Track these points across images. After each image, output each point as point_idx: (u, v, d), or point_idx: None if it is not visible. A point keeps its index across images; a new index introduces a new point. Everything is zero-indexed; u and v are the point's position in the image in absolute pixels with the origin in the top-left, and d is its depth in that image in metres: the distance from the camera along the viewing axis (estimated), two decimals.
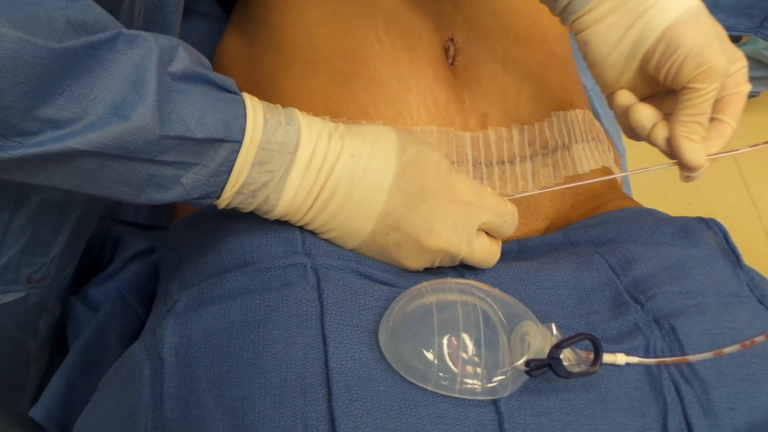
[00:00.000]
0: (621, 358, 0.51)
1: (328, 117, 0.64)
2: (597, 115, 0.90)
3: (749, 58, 1.82)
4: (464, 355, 0.48)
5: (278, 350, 0.48)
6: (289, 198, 0.51)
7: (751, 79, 2.10)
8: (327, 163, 0.52)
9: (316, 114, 0.64)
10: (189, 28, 0.83)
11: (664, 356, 0.52)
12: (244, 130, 0.49)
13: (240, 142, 0.49)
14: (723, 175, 1.77)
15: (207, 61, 0.51)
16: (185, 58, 0.47)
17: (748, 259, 0.63)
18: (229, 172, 0.49)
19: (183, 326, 0.51)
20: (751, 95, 1.90)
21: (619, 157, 0.90)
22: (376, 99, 0.64)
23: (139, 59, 0.44)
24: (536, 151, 0.67)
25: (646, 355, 0.52)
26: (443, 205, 0.53)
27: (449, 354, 0.48)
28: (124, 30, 0.44)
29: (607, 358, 0.50)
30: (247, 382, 0.47)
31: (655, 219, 0.65)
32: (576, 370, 0.48)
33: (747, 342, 0.51)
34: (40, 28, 0.40)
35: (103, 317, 0.67)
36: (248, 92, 0.53)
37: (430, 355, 0.47)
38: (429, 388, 0.47)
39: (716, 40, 0.53)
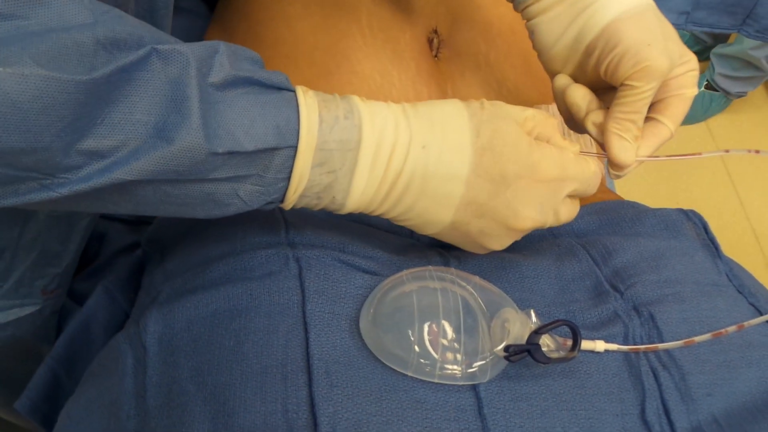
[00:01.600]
0: (600, 345, 0.51)
1: None
2: None
3: (736, 58, 1.83)
4: (444, 342, 0.48)
5: (260, 338, 0.48)
6: (357, 195, 0.49)
7: (738, 79, 2.10)
8: (396, 156, 0.48)
9: None
10: (172, 25, 0.83)
11: (643, 343, 0.53)
12: (298, 133, 0.45)
13: (295, 147, 0.46)
14: (710, 174, 1.78)
15: (254, 54, 0.48)
16: (225, 63, 0.44)
17: (735, 257, 0.63)
18: (288, 178, 0.47)
19: (166, 316, 0.52)
20: (738, 95, 1.91)
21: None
22: (359, 92, 0.64)
23: (177, 75, 0.42)
24: None
25: (625, 343, 0.53)
26: (527, 188, 0.50)
27: (429, 341, 0.48)
28: (158, 45, 0.41)
29: (586, 344, 0.51)
30: (228, 369, 0.47)
31: (636, 211, 0.66)
32: (555, 356, 0.49)
33: (720, 331, 0.52)
34: (67, 59, 0.38)
35: (89, 311, 0.67)
36: None
37: (410, 342, 0.48)
38: (409, 374, 0.48)
39: (659, 39, 0.53)
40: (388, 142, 0.48)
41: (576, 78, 0.58)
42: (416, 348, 0.48)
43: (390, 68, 0.65)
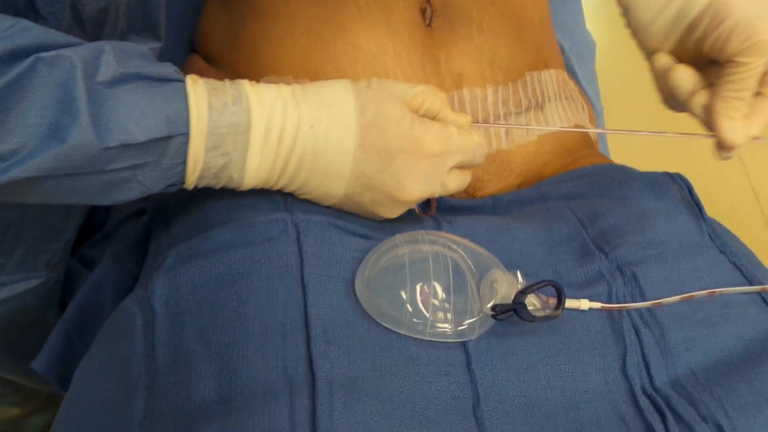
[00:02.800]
0: (584, 304, 0.54)
1: (307, 79, 0.65)
2: (575, 75, 0.92)
3: None
4: (435, 302, 0.51)
5: (261, 300, 0.51)
6: (253, 174, 0.53)
7: None
8: (286, 135, 0.52)
9: (296, 78, 0.66)
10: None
11: (626, 302, 0.55)
12: (188, 120, 0.49)
13: (187, 134, 0.49)
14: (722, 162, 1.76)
15: (143, 49, 0.51)
16: (112, 62, 0.47)
17: (732, 216, 0.64)
18: (184, 162, 0.50)
19: (172, 280, 0.54)
20: None
21: (596, 116, 0.93)
22: (355, 62, 0.66)
23: (64, 78, 0.45)
24: (510, 110, 0.70)
25: (609, 301, 0.55)
26: (411, 162, 0.54)
27: (421, 301, 0.51)
28: (42, 54, 0.45)
29: (571, 303, 0.54)
30: (231, 329, 0.50)
31: (624, 174, 0.68)
32: (540, 314, 0.51)
33: (685, 296, 0.55)
34: None
35: (98, 275, 0.70)
36: (231, 59, 0.55)
37: (403, 302, 0.51)
38: (402, 332, 0.51)
39: None
40: (277, 123, 0.51)
41: (675, 55, 0.56)
42: (409, 308, 0.50)
43: (385, 38, 0.66)
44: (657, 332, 0.54)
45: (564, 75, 0.77)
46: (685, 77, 0.54)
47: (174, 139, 0.49)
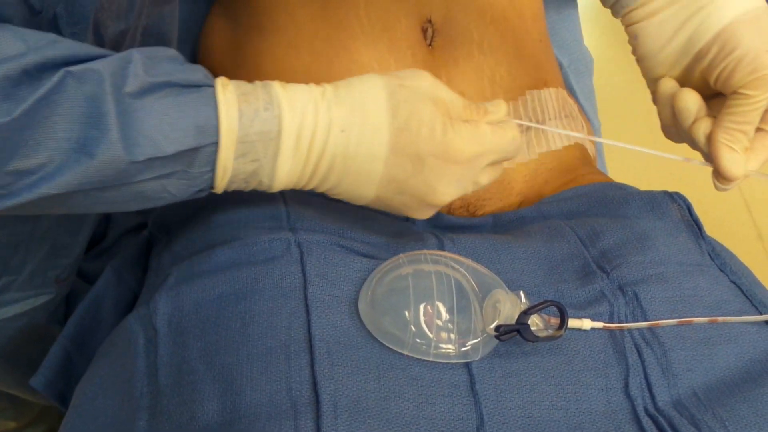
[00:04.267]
0: (586, 323, 0.54)
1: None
2: (573, 92, 0.92)
3: None
4: (438, 322, 0.51)
5: (264, 320, 0.51)
6: (284, 178, 0.51)
7: None
8: (317, 140, 0.50)
9: None
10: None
11: (627, 321, 0.56)
12: (218, 130, 0.48)
13: (216, 144, 0.48)
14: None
15: (173, 53, 0.50)
16: (140, 72, 0.46)
17: (730, 233, 0.65)
18: (213, 170, 0.49)
19: (175, 298, 0.54)
20: None
21: (594, 132, 0.93)
22: None
23: (92, 93, 0.44)
24: None
25: (611, 321, 0.56)
26: (444, 167, 0.52)
27: (425, 321, 0.51)
28: (71, 68, 0.44)
29: (573, 323, 0.54)
30: (235, 350, 0.50)
31: (623, 193, 0.68)
32: (543, 334, 0.52)
33: (684, 320, 0.55)
34: None
35: (98, 290, 0.69)
36: (234, 74, 0.55)
37: (406, 323, 0.51)
38: (406, 352, 0.51)
39: None
40: (308, 128, 0.50)
41: (680, 84, 0.56)
42: (412, 328, 0.51)
43: (387, 57, 0.67)
44: (659, 352, 0.54)
45: (564, 93, 0.77)
46: (692, 99, 0.54)
47: (203, 149, 0.48)
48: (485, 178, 0.56)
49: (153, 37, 0.60)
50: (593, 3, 0.61)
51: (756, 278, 0.63)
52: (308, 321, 0.51)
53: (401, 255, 0.55)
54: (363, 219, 0.61)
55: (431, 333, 0.51)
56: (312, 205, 0.61)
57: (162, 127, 0.46)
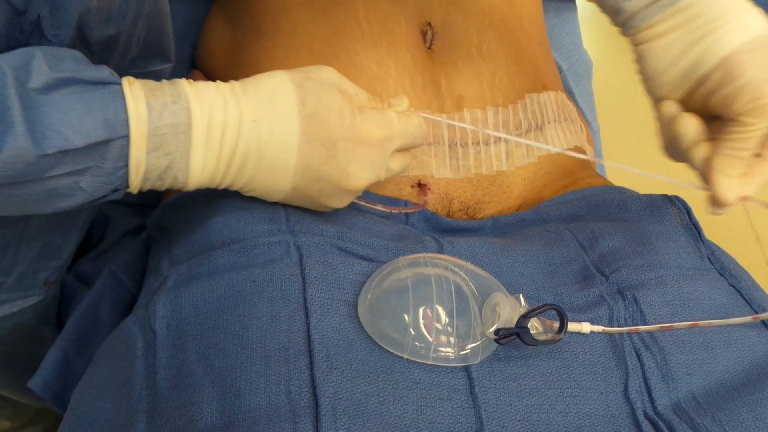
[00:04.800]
0: (586, 327, 0.54)
1: None
2: (572, 95, 0.93)
3: None
4: (438, 326, 0.51)
5: (263, 323, 0.51)
6: (198, 173, 0.52)
7: None
8: (229, 132, 0.51)
9: None
10: (173, 11, 0.84)
11: (627, 325, 0.56)
12: (128, 123, 0.48)
13: (127, 137, 0.48)
14: None
15: (76, 53, 0.49)
16: (44, 68, 0.46)
17: (729, 236, 0.64)
18: (126, 166, 0.49)
19: (173, 301, 0.54)
20: None
21: (593, 135, 0.93)
22: (356, 82, 0.66)
23: None
24: (510, 132, 0.70)
25: (610, 324, 0.56)
26: (355, 150, 0.54)
27: (424, 324, 0.51)
28: None
29: (573, 326, 0.54)
30: (234, 353, 0.50)
31: (623, 196, 0.68)
32: (542, 338, 0.52)
33: (695, 323, 0.55)
34: None
35: (96, 292, 0.69)
36: (233, 76, 0.55)
37: (406, 326, 0.51)
38: (405, 356, 0.51)
39: None
40: (218, 120, 0.51)
41: (682, 105, 0.57)
42: (411, 331, 0.50)
43: (386, 59, 0.67)
44: (658, 356, 0.54)
45: (563, 96, 0.78)
46: (691, 126, 0.55)
47: (114, 142, 0.48)
48: (396, 164, 0.58)
49: (152, 47, 0.60)
50: (592, 7, 0.62)
51: (755, 282, 0.63)
52: (307, 324, 0.51)
53: (400, 258, 0.55)
54: (362, 221, 0.61)
55: (430, 336, 0.51)
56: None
57: (70, 121, 0.46)
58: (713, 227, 0.68)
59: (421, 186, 0.67)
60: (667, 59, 0.55)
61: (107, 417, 0.52)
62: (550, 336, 0.52)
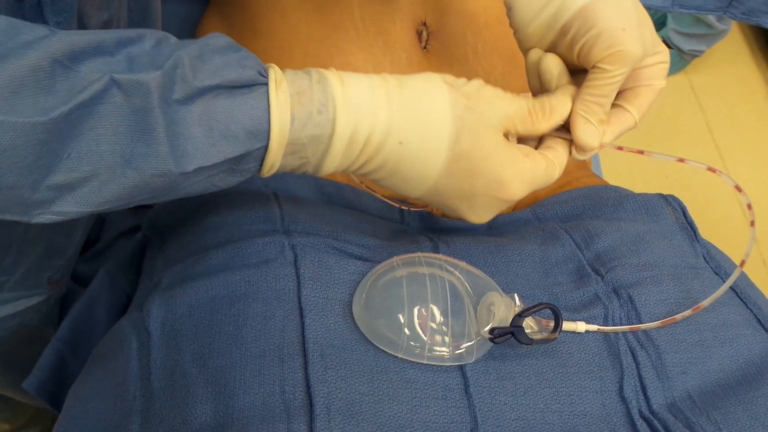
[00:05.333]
0: (581, 326, 0.54)
1: None
2: None
3: (688, 14, 1.82)
4: (433, 325, 0.51)
5: (258, 323, 0.51)
6: (330, 170, 0.51)
7: (691, 36, 2.11)
8: (371, 143, 0.49)
9: None
10: (169, 11, 0.84)
11: (622, 324, 0.56)
12: (269, 134, 0.47)
13: (266, 147, 0.47)
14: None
15: (222, 42, 0.47)
16: (188, 76, 0.44)
17: (726, 236, 0.65)
18: (260, 166, 0.49)
19: (168, 301, 0.54)
20: (692, 54, 1.90)
21: None
22: None
23: (140, 105, 0.42)
24: None
25: (605, 323, 0.56)
26: (491, 200, 0.53)
27: (419, 324, 0.51)
28: (117, 76, 0.42)
29: (568, 326, 0.54)
30: (228, 353, 0.50)
31: (618, 196, 0.68)
32: (537, 337, 0.52)
33: (696, 306, 0.55)
34: (25, 91, 0.38)
35: (92, 293, 0.69)
36: None
37: (400, 326, 0.51)
38: (400, 355, 0.50)
39: (635, 25, 0.52)
40: (363, 131, 0.49)
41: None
42: (406, 331, 0.50)
43: (382, 60, 0.67)
44: (653, 354, 0.54)
45: None
46: (553, 63, 0.56)
47: (253, 151, 0.47)
48: None
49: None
50: None
51: (750, 281, 0.63)
52: (302, 324, 0.51)
53: (395, 258, 0.55)
54: (357, 221, 0.61)
55: (425, 336, 0.51)
56: (306, 207, 0.60)
57: (212, 135, 0.45)
58: (709, 226, 0.68)
59: None
60: (532, 10, 0.56)
61: (102, 417, 0.52)
62: (545, 335, 0.52)
